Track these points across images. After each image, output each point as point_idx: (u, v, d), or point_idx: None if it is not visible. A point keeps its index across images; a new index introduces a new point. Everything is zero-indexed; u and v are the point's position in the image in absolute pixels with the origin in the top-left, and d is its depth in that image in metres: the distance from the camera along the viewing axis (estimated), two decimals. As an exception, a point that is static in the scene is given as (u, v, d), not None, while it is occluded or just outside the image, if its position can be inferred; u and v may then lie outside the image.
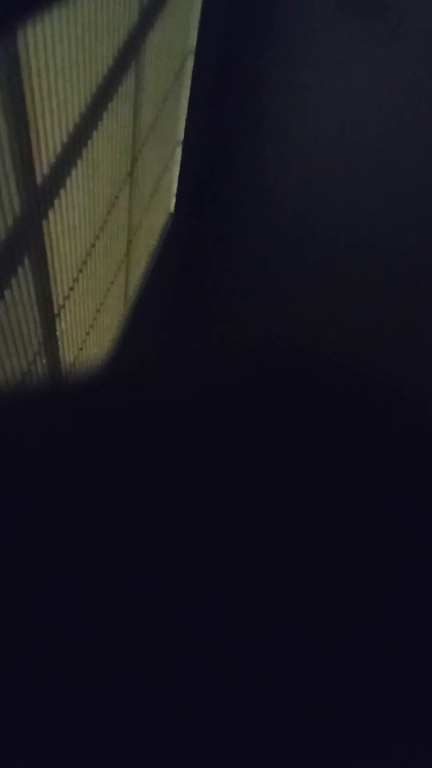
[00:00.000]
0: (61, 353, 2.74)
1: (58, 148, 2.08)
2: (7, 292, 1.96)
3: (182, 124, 4.39)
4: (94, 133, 2.44)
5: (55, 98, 1.92)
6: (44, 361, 2.52)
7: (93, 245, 2.83)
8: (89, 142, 2.40)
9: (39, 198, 2.01)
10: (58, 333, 2.62)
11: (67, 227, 2.38)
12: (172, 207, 4.89)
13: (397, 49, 4.81)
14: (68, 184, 2.26)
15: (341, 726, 0.24)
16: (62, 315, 2.62)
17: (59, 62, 1.88)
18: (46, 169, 2.01)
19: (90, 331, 3.23)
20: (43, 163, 1.97)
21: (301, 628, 0.25)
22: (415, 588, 0.26)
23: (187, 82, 4.18)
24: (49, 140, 1.96)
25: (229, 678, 0.24)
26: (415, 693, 0.25)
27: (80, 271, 2.73)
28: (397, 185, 5.49)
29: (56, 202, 2.18)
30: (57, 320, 2.57)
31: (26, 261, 2.05)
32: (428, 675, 0.25)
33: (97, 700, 0.23)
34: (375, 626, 0.25)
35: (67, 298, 2.63)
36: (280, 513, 0.27)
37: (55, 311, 2.52)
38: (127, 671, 0.23)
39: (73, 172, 2.29)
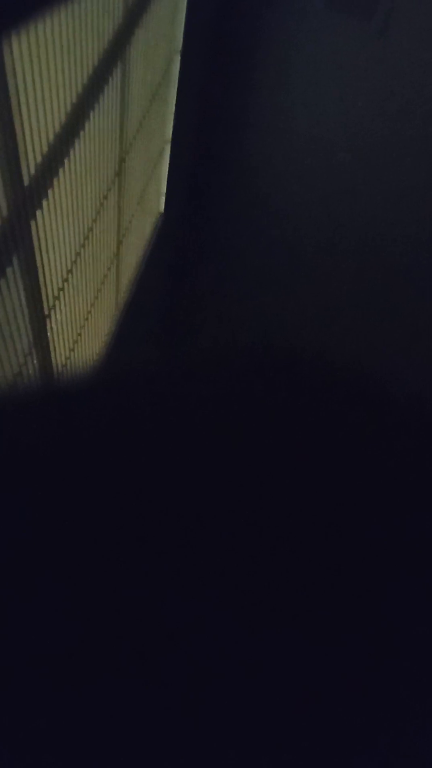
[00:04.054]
0: (52, 355, 2.73)
1: (45, 149, 2.07)
2: (-4, 294, 1.95)
3: (170, 123, 4.39)
4: (81, 133, 2.43)
5: (41, 99, 1.91)
6: (35, 362, 2.51)
7: (82, 245, 2.82)
8: (76, 142, 2.39)
9: (26, 199, 2.00)
10: (48, 334, 2.61)
11: (56, 228, 2.37)
12: (162, 207, 4.89)
13: (387, 47, 4.83)
14: (56, 184, 2.25)
15: (338, 726, 0.23)
16: (52, 316, 2.61)
17: (45, 63, 1.87)
18: (33, 170, 2.00)
19: (81, 333, 3.22)
20: (30, 163, 1.96)
21: (298, 628, 0.25)
22: (414, 587, 0.26)
23: (175, 81, 4.18)
24: (35, 140, 1.95)
25: (225, 677, 0.24)
26: (413, 693, 0.24)
27: (70, 271, 2.72)
28: (392, 184, 5.51)
29: (44, 202, 2.17)
30: (47, 321, 2.56)
31: (15, 261, 2.04)
32: (426, 674, 0.25)
33: (92, 700, 0.23)
34: (372, 628, 0.25)
35: (57, 298, 2.62)
36: (276, 513, 0.27)
37: (46, 312, 2.51)
38: (122, 673, 0.23)
39: (61, 173, 2.28)
